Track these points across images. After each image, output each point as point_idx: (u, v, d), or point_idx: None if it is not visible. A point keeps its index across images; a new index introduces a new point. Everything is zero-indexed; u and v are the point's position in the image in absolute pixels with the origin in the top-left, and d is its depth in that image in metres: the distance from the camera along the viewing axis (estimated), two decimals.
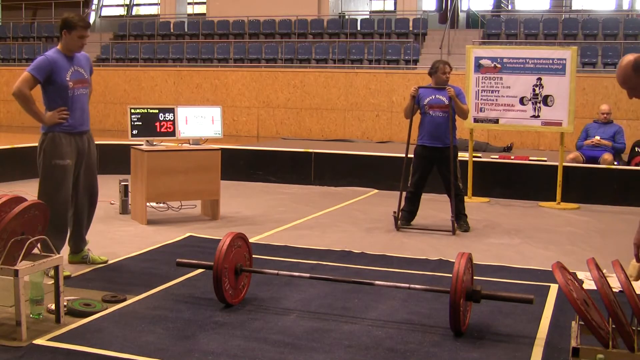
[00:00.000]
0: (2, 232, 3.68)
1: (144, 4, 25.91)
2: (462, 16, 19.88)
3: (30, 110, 4.95)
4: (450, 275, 3.95)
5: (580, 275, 4.97)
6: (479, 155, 9.94)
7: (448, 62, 7.08)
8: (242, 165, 10.30)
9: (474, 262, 4.33)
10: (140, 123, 6.98)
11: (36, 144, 5.15)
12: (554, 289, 4.86)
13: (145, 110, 7.05)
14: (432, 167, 7.06)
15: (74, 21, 4.98)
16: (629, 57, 3.28)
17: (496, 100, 8.63)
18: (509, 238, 6.76)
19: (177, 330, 3.93)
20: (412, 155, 7.11)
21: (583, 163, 9.34)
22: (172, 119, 7.12)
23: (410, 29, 16.72)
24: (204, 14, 20.91)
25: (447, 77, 6.91)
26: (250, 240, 4.74)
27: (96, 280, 4.89)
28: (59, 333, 3.82)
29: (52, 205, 4.91)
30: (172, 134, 7.15)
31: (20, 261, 3.75)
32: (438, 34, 16.54)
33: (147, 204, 7.16)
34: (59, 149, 5.01)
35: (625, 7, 20.99)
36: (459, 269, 3.87)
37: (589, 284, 4.37)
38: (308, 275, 4.57)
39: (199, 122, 7.27)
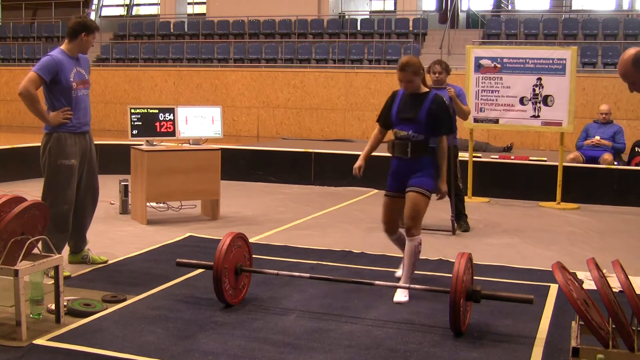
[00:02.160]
0: (2, 232, 3.68)
1: (144, 4, 25.91)
2: (462, 16, 19.88)
3: (35, 110, 4.96)
4: (450, 275, 3.95)
5: (580, 275, 4.97)
6: (479, 155, 9.93)
7: (442, 61, 6.88)
8: (242, 165, 10.30)
9: (474, 262, 4.33)
10: (140, 123, 6.98)
11: (37, 144, 5.15)
12: (554, 289, 4.86)
13: (145, 110, 7.05)
14: None
15: (94, 25, 5.11)
16: (631, 51, 3.26)
17: (496, 100, 8.63)
18: (509, 238, 6.75)
19: (177, 330, 3.93)
20: None
21: (583, 163, 9.34)
22: (172, 119, 7.13)
23: (410, 29, 16.72)
24: (204, 14, 20.91)
25: (437, 78, 6.79)
26: (250, 240, 4.74)
27: (96, 280, 4.89)
28: (59, 333, 3.82)
29: (57, 205, 4.93)
30: (172, 134, 7.15)
31: (20, 261, 3.75)
32: (438, 34, 16.54)
33: (147, 204, 7.17)
34: (65, 149, 5.01)
35: (625, 7, 20.98)
36: (459, 269, 3.87)
37: (589, 284, 4.37)
38: (308, 275, 4.57)
39: (199, 122, 7.27)
